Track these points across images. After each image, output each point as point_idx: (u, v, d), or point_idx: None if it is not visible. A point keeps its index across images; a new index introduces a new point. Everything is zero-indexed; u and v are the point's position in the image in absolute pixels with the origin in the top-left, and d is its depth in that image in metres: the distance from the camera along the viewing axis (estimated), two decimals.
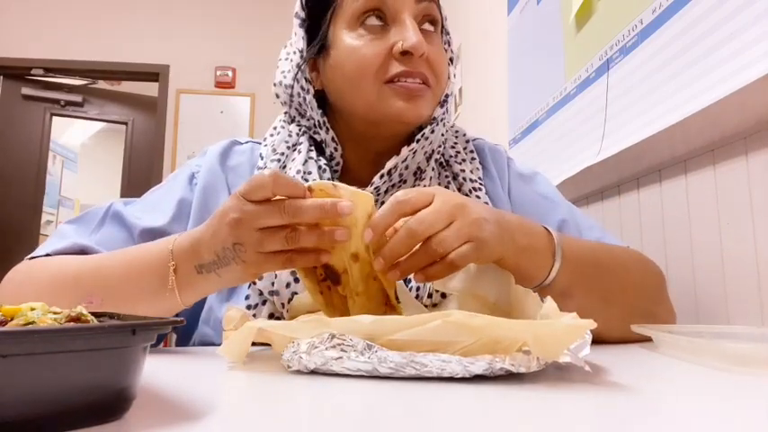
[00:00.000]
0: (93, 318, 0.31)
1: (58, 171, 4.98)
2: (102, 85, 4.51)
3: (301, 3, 0.75)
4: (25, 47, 3.95)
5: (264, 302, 0.65)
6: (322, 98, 0.75)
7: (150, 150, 4.12)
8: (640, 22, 0.94)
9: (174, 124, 4.01)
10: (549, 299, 0.45)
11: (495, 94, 1.88)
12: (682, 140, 0.84)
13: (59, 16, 4.04)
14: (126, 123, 4.55)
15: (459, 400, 0.34)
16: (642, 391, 0.37)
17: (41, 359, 0.24)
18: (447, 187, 0.75)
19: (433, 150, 0.74)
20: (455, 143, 0.80)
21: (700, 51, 0.78)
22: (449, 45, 0.77)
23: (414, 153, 0.71)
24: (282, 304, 0.64)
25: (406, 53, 0.67)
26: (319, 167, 0.72)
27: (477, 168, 0.78)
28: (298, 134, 0.76)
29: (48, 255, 0.66)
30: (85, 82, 4.30)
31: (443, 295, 0.65)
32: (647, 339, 0.59)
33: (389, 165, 0.70)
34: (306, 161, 0.72)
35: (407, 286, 0.65)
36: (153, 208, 0.73)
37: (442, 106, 0.73)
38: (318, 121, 0.74)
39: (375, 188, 0.70)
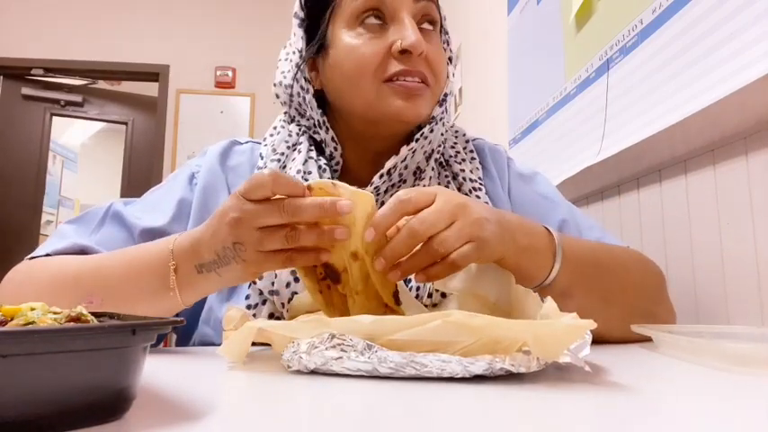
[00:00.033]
0: (93, 318, 0.31)
1: (58, 171, 4.98)
2: (102, 85, 4.51)
3: (300, 3, 0.75)
4: (25, 47, 3.95)
5: (264, 302, 0.65)
6: (321, 98, 0.75)
7: (150, 150, 4.12)
8: (640, 22, 0.94)
9: (174, 124, 4.01)
10: (549, 299, 0.45)
11: (495, 94, 1.88)
12: (682, 140, 0.84)
13: (59, 16, 4.04)
14: (126, 123, 4.55)
15: (459, 400, 0.34)
16: (642, 391, 0.37)
17: (41, 359, 0.24)
18: (447, 187, 0.75)
19: (432, 150, 0.74)
20: (455, 143, 0.80)
21: (700, 51, 0.78)
22: (448, 44, 0.77)
23: (413, 153, 0.71)
24: (282, 304, 0.64)
25: (404, 52, 0.67)
26: (319, 167, 0.72)
27: (477, 168, 0.78)
28: (298, 134, 0.76)
29: (48, 255, 0.66)
30: (85, 82, 4.30)
31: (443, 295, 0.65)
32: (647, 339, 0.59)
33: (389, 164, 0.70)
34: (306, 161, 0.72)
35: (407, 286, 0.65)
36: (153, 208, 0.73)
37: (440, 105, 0.73)
38: (318, 120, 0.74)
39: (375, 188, 0.70)
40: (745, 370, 0.43)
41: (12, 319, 0.29)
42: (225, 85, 4.12)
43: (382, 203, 0.70)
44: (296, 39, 0.75)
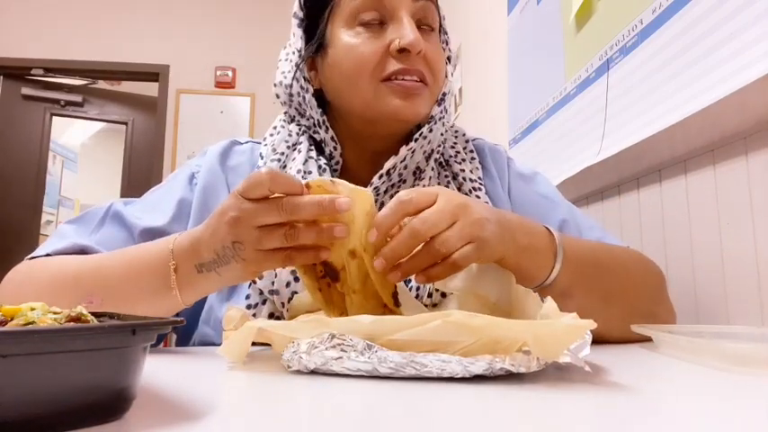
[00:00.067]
0: (93, 318, 0.31)
1: (58, 171, 4.98)
2: (102, 85, 4.51)
3: (300, 2, 0.75)
4: (25, 47, 3.95)
5: (265, 302, 0.65)
6: (321, 97, 0.75)
7: (150, 150, 4.12)
8: (640, 22, 0.94)
9: (174, 124, 4.01)
10: (549, 299, 0.45)
11: (495, 94, 1.88)
12: (682, 140, 0.84)
13: (59, 16, 4.04)
14: (126, 123, 4.55)
15: (459, 400, 0.34)
16: (642, 391, 0.37)
17: (41, 359, 0.24)
18: (447, 187, 0.75)
19: (432, 150, 0.74)
20: (455, 143, 0.80)
21: (700, 51, 0.78)
22: (447, 44, 0.77)
23: (412, 152, 0.71)
24: (282, 303, 0.64)
25: (403, 51, 0.67)
26: (319, 167, 0.72)
27: (477, 168, 0.78)
28: (298, 134, 0.76)
29: (48, 255, 0.66)
30: (85, 82, 4.30)
31: (443, 295, 0.65)
32: (647, 339, 0.59)
33: (388, 165, 0.70)
34: (306, 161, 0.72)
35: (407, 286, 0.65)
36: (153, 208, 0.73)
37: (439, 105, 0.73)
38: (318, 120, 0.74)
39: (374, 188, 0.70)
40: (745, 370, 0.43)
41: (12, 319, 0.29)
42: (225, 85, 4.12)
43: (382, 204, 0.71)
44: (295, 39, 0.75)
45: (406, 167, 0.72)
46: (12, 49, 3.93)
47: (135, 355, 0.27)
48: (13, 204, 3.98)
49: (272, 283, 0.64)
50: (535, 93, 1.45)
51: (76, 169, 5.34)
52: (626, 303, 0.66)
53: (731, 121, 0.75)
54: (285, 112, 0.80)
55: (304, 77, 0.74)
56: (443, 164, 0.78)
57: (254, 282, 0.65)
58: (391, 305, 0.55)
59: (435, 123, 0.72)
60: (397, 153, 0.70)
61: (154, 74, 4.07)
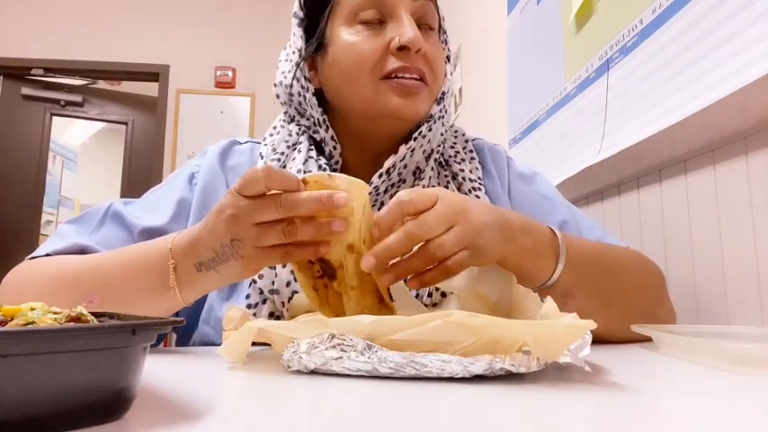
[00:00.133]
0: (93, 318, 0.31)
1: (58, 171, 4.98)
2: (102, 85, 4.51)
3: (300, 2, 0.75)
4: (25, 47, 3.95)
5: (265, 301, 0.65)
6: (321, 97, 0.75)
7: (150, 150, 4.12)
8: (640, 22, 0.94)
9: (174, 124, 4.01)
10: (548, 299, 0.45)
11: (495, 94, 1.88)
12: (682, 140, 0.84)
13: (59, 16, 4.04)
14: (126, 123, 4.55)
15: (459, 400, 0.34)
16: (642, 391, 0.37)
17: (41, 359, 0.24)
18: (446, 187, 0.75)
19: (432, 150, 0.74)
20: (454, 143, 0.80)
21: (700, 51, 0.78)
22: (446, 44, 0.77)
23: (412, 151, 0.71)
24: (283, 303, 0.64)
25: (403, 48, 0.67)
26: (319, 167, 0.72)
27: (477, 168, 0.78)
28: (297, 134, 0.76)
29: (48, 255, 0.66)
30: (85, 82, 4.30)
31: (443, 295, 0.65)
32: (647, 339, 0.59)
33: (388, 163, 0.70)
34: (306, 160, 0.72)
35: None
36: (153, 208, 0.73)
37: (438, 104, 0.73)
38: (318, 119, 0.74)
39: (374, 187, 0.70)
40: (745, 370, 0.43)
41: (12, 319, 0.29)
42: (225, 85, 4.12)
43: (382, 204, 0.71)
44: (295, 38, 0.75)
45: (405, 167, 0.72)
46: (12, 49, 3.93)
47: (135, 355, 0.27)
48: (13, 204, 3.98)
49: (273, 282, 0.64)
50: (535, 93, 1.45)
51: (76, 169, 5.34)
52: (626, 304, 0.66)
53: (731, 121, 0.75)
54: (285, 112, 0.80)
55: (304, 77, 0.74)
56: (443, 164, 0.78)
57: (255, 281, 0.65)
58: (387, 299, 0.55)
59: (435, 122, 0.72)
60: (396, 153, 0.70)
61: (154, 74, 4.07)
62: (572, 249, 0.60)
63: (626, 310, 0.65)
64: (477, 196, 0.74)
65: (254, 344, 0.46)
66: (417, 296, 0.65)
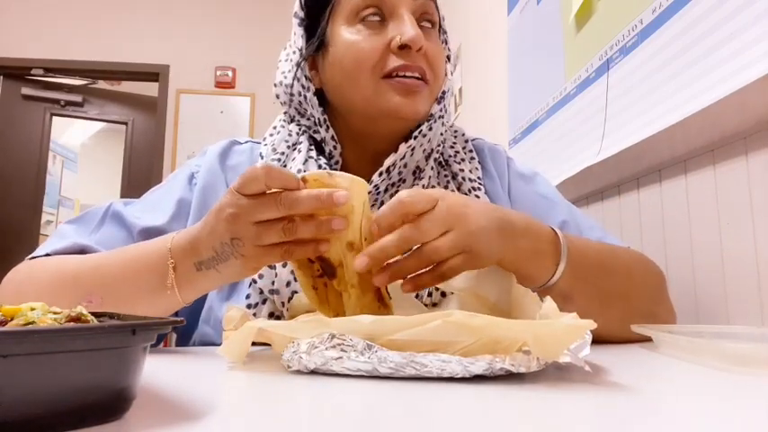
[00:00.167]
0: (93, 318, 0.31)
1: (58, 171, 4.98)
2: (102, 85, 4.51)
3: (300, 2, 0.75)
4: (25, 47, 3.95)
5: (265, 301, 0.65)
6: (321, 97, 0.75)
7: (150, 150, 4.12)
8: (640, 22, 0.94)
9: (174, 124, 4.01)
10: (548, 299, 0.45)
11: (495, 94, 1.88)
12: (682, 140, 0.84)
13: (59, 16, 4.04)
14: (126, 123, 4.55)
15: (459, 400, 0.34)
16: (642, 391, 0.37)
17: (41, 359, 0.24)
18: (446, 187, 0.75)
19: (432, 149, 0.74)
20: (454, 143, 0.80)
21: (700, 51, 0.78)
22: (446, 43, 0.77)
23: (412, 150, 0.71)
24: (283, 303, 0.64)
25: (404, 47, 0.67)
26: (319, 167, 0.72)
27: (477, 168, 0.78)
28: (298, 133, 0.76)
29: (48, 255, 0.66)
30: (85, 82, 4.30)
31: (443, 294, 0.65)
32: (648, 339, 0.59)
33: (388, 162, 0.70)
34: (306, 160, 0.72)
35: None
36: (153, 208, 0.73)
37: (439, 103, 0.73)
38: (319, 118, 0.74)
39: (374, 186, 0.70)
40: (745, 370, 0.43)
41: (12, 319, 0.29)
42: (225, 85, 4.12)
43: (382, 203, 0.71)
44: (296, 38, 0.75)
45: (405, 166, 0.72)
46: (12, 49, 3.93)
47: (135, 355, 0.27)
48: (13, 204, 3.98)
49: (273, 282, 0.64)
50: (535, 93, 1.45)
51: (76, 169, 5.34)
52: (626, 304, 0.66)
53: (731, 121, 0.75)
54: (285, 112, 0.80)
55: (305, 76, 0.74)
56: (443, 163, 0.78)
57: (255, 281, 0.65)
58: (387, 298, 0.55)
59: (435, 122, 0.72)
60: (396, 152, 0.70)
61: (154, 74, 4.07)
62: (573, 250, 0.60)
63: (626, 310, 0.65)
64: (477, 196, 0.74)
65: (254, 344, 0.46)
66: (417, 296, 0.65)
